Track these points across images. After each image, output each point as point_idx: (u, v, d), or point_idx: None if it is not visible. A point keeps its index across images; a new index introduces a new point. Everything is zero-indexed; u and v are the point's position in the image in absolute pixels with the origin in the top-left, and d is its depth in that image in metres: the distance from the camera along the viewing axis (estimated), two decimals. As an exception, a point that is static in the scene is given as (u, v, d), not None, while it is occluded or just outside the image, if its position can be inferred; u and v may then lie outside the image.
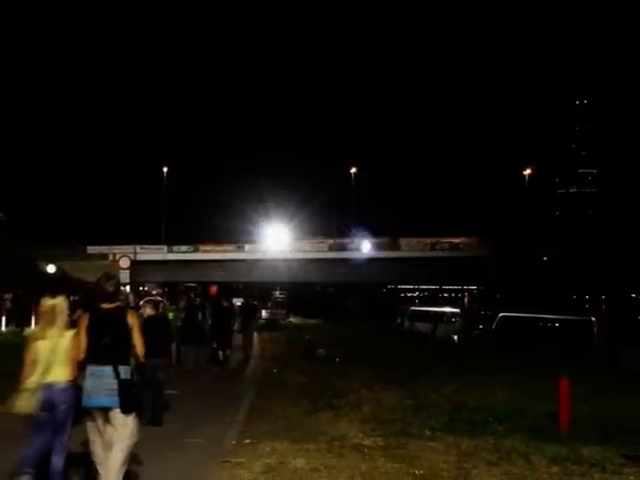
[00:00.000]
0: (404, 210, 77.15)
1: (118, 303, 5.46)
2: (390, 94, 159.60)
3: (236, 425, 8.53)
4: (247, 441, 7.46)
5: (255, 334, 21.76)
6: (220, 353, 16.21)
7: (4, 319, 24.50)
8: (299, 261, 48.70)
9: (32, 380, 5.07)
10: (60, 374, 5.14)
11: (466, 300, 59.00)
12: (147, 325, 7.48)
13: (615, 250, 44.46)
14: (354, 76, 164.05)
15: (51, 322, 5.22)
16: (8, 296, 26.17)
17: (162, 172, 57.04)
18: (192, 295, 24.92)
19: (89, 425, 5.25)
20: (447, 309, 35.93)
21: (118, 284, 5.57)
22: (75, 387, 5.16)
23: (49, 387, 5.09)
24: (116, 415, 5.11)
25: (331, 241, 51.20)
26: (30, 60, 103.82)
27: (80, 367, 5.18)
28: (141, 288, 42.54)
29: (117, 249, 45.97)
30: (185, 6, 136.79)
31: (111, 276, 5.57)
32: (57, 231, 50.78)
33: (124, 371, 5.13)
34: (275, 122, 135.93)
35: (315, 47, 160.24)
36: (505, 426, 8.28)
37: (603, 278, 44.30)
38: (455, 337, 28.78)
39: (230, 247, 50.34)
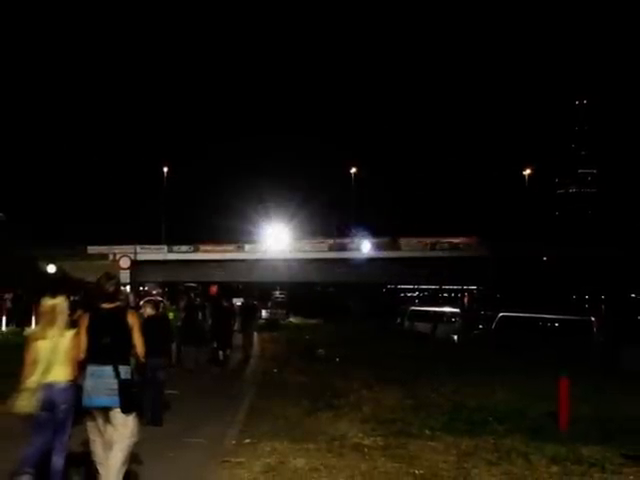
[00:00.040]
0: (404, 210, 77.25)
1: (118, 303, 5.47)
2: (390, 94, 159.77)
3: (236, 425, 8.54)
4: (247, 441, 7.46)
5: (255, 334, 21.77)
6: (220, 353, 16.22)
7: (4, 319, 24.44)
8: (299, 261, 48.73)
9: (32, 380, 5.08)
10: (60, 374, 5.14)
11: (466, 300, 58.92)
12: (147, 325, 7.47)
13: (615, 250, 44.45)
14: (354, 76, 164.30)
15: (51, 322, 5.22)
16: (8, 296, 26.12)
17: (162, 172, 57.18)
18: (192, 295, 24.87)
19: (89, 425, 5.26)
20: (447, 309, 35.98)
21: (118, 284, 5.58)
22: (75, 387, 5.17)
23: (49, 387, 5.09)
24: (116, 415, 5.11)
25: (331, 241, 51.20)
26: (30, 60, 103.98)
27: (80, 367, 5.19)
28: (141, 288, 42.52)
29: (117, 249, 46.01)
30: (185, 6, 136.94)
31: (111, 276, 5.57)
32: (57, 231, 50.87)
33: (124, 371, 5.14)
34: (275, 122, 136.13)
35: (315, 47, 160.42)
36: (505, 426, 8.28)
37: (603, 278, 44.31)
38: (455, 337, 28.80)
39: (230, 247, 50.36)
